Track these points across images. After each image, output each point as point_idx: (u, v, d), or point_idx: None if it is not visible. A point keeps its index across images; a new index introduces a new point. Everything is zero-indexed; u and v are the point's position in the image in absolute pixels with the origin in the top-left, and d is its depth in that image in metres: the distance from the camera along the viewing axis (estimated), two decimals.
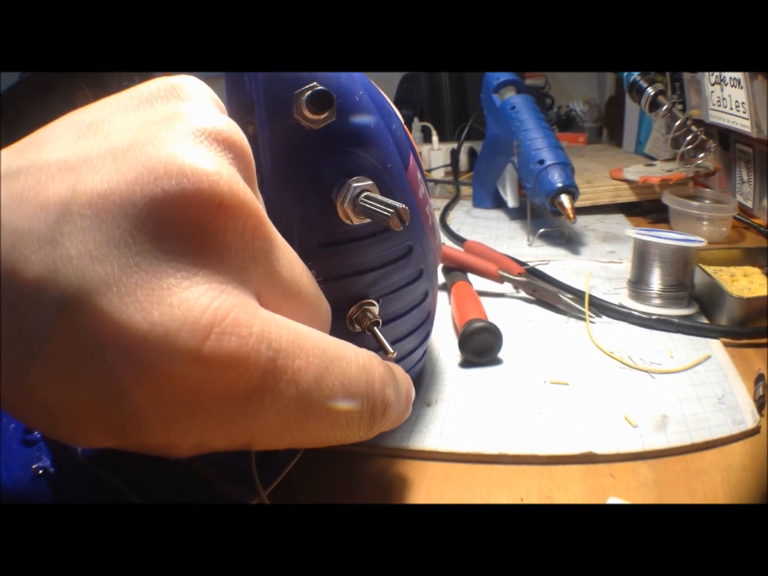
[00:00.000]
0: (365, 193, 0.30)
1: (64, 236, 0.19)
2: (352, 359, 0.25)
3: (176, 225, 0.20)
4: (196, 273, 0.20)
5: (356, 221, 0.31)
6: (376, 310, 0.35)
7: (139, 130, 0.21)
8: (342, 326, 0.34)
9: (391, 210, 0.28)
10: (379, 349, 0.33)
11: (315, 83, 0.28)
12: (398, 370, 0.31)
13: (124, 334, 0.18)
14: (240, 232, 0.21)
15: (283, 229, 0.31)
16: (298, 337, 0.22)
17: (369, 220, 0.30)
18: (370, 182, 0.31)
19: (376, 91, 0.35)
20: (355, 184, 0.30)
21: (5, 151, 0.22)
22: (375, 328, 0.33)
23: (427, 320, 0.43)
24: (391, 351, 0.32)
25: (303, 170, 0.31)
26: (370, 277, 0.35)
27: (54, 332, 0.19)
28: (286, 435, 0.23)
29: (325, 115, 0.28)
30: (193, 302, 0.19)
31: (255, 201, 0.22)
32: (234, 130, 0.23)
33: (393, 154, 0.34)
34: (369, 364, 0.26)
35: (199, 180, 0.20)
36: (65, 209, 0.19)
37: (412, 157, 0.37)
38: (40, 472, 0.34)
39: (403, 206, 0.28)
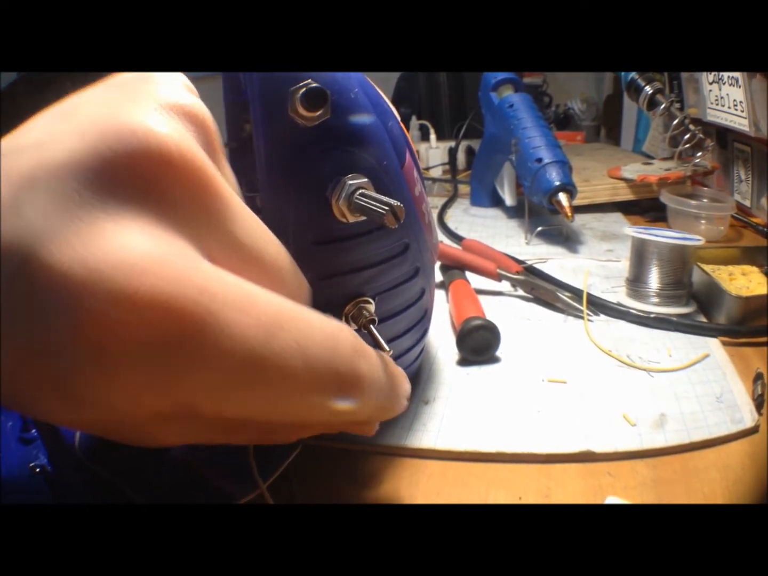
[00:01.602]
0: (360, 191, 0.30)
1: (24, 203, 0.19)
2: (316, 323, 0.24)
3: (120, 179, 0.20)
4: (136, 222, 0.20)
5: (351, 219, 0.31)
6: (372, 307, 0.35)
7: (106, 105, 0.22)
8: None
9: (386, 207, 0.28)
10: (376, 347, 0.33)
11: (310, 80, 0.28)
12: (389, 360, 0.30)
13: (61, 282, 0.18)
14: (186, 188, 0.21)
15: (279, 226, 0.31)
16: (247, 293, 0.22)
17: (364, 218, 0.30)
18: (366, 180, 0.31)
19: (372, 88, 0.35)
20: (351, 182, 0.30)
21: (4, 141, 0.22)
22: (371, 326, 0.33)
23: (424, 318, 0.43)
24: (387, 349, 0.32)
25: (298, 168, 0.31)
26: (366, 275, 0.35)
27: (11, 293, 0.19)
28: (233, 395, 0.22)
29: (319, 112, 0.28)
30: (129, 248, 0.19)
31: (205, 162, 0.22)
32: (198, 106, 0.23)
33: (389, 152, 0.34)
34: (338, 332, 0.25)
35: (147, 139, 0.20)
36: (27, 178, 0.20)
37: (408, 155, 0.37)
38: (38, 470, 0.34)
39: (398, 204, 0.28)
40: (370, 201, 0.29)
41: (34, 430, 0.36)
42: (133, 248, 0.19)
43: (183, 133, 0.22)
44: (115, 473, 0.34)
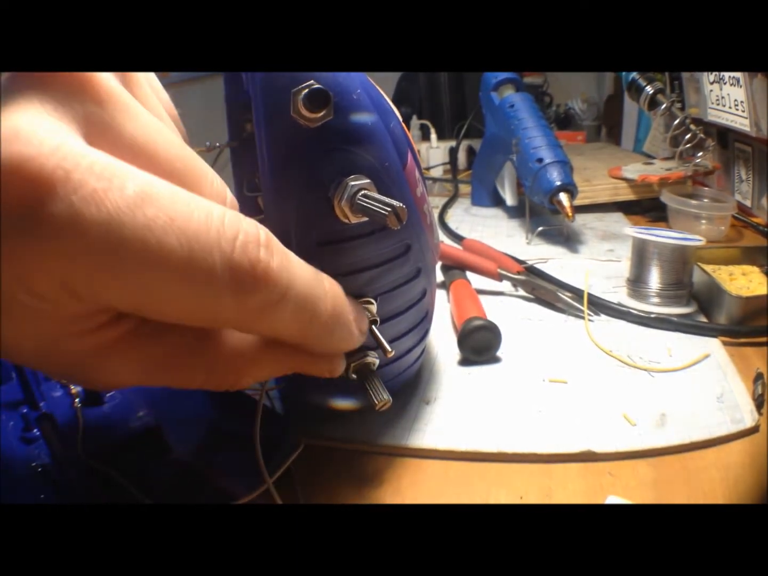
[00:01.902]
0: (363, 192, 0.30)
1: None
2: (202, 204, 0.23)
3: (9, 79, 0.22)
4: (18, 105, 0.21)
5: (354, 220, 0.31)
6: (374, 308, 0.35)
7: None
8: None
9: (389, 209, 0.28)
10: (377, 347, 0.33)
11: (312, 81, 0.28)
12: (327, 278, 0.29)
13: None
14: (67, 77, 0.23)
15: (282, 227, 0.31)
16: (111, 164, 0.21)
17: (367, 219, 0.30)
18: (368, 181, 0.31)
19: (374, 89, 0.35)
20: (353, 183, 0.30)
21: None
22: (373, 326, 0.33)
23: (426, 318, 0.43)
24: (390, 350, 0.32)
25: (300, 169, 0.31)
26: (368, 276, 0.35)
27: None
28: (105, 272, 0.21)
29: (322, 113, 0.28)
30: (6, 121, 0.20)
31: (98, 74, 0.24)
32: None
33: (391, 153, 0.34)
34: (233, 217, 0.23)
35: None
36: None
37: (410, 156, 0.37)
38: (39, 469, 0.34)
39: (401, 205, 0.28)
40: (372, 202, 0.29)
41: (35, 430, 0.36)
42: (10, 122, 0.20)
43: None
44: (117, 473, 0.34)
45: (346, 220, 0.31)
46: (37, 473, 0.34)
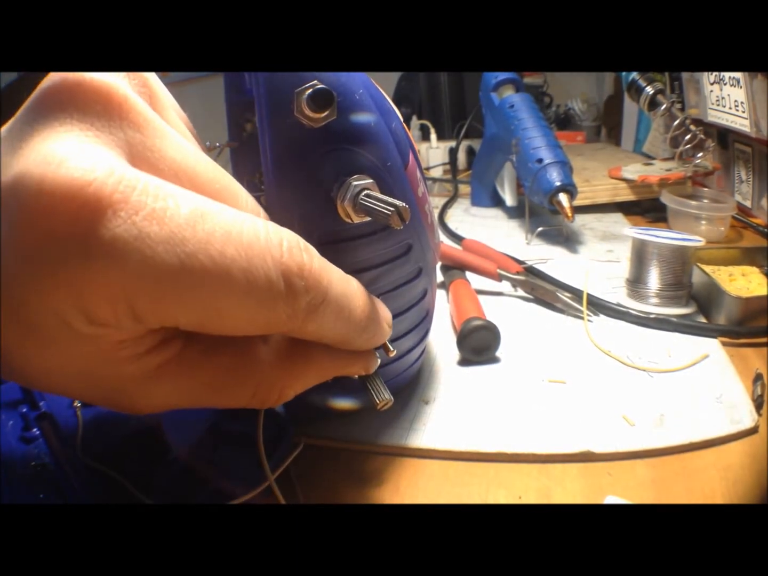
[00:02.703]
0: (365, 192, 0.30)
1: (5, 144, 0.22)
2: (248, 218, 0.24)
3: (47, 104, 0.22)
4: (59, 131, 0.22)
5: (356, 219, 0.31)
6: None
7: None
8: None
9: (392, 208, 0.28)
10: (379, 347, 0.33)
11: (315, 81, 0.28)
12: (353, 279, 0.30)
13: (3, 198, 0.20)
14: (106, 103, 0.23)
15: (284, 226, 0.31)
16: (165, 185, 0.22)
17: (369, 219, 0.30)
18: (371, 180, 0.31)
19: (376, 89, 0.35)
20: (356, 183, 0.30)
21: None
22: None
23: (426, 318, 0.43)
24: (392, 349, 0.33)
25: (303, 168, 0.31)
26: (369, 275, 0.35)
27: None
28: (168, 291, 0.21)
29: (325, 113, 0.28)
30: (49, 147, 0.21)
31: (124, 88, 0.24)
32: (150, 74, 0.27)
33: (393, 153, 0.34)
34: (274, 226, 0.25)
35: (76, 75, 0.23)
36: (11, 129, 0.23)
37: (411, 156, 0.37)
38: (39, 469, 0.34)
39: (404, 205, 0.28)
40: (375, 202, 0.29)
41: (35, 429, 0.36)
42: (53, 148, 0.21)
43: (114, 76, 0.24)
44: (116, 472, 0.34)
45: (349, 220, 0.31)
46: (36, 473, 0.34)
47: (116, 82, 0.24)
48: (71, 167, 0.20)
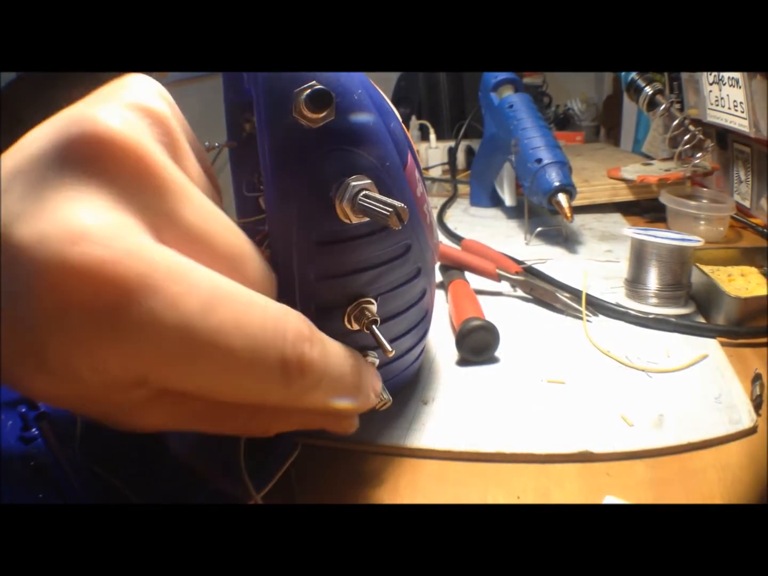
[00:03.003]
0: (364, 192, 0.30)
1: (6, 191, 0.22)
2: (259, 303, 0.25)
3: (73, 159, 0.22)
4: (82, 195, 0.22)
5: (355, 220, 0.31)
6: (374, 308, 0.35)
7: (79, 105, 0.24)
8: (340, 325, 0.34)
9: (390, 209, 0.28)
10: (378, 347, 0.33)
11: (314, 82, 0.28)
12: (356, 354, 0.31)
13: (20, 253, 0.21)
14: (128, 167, 0.23)
15: (283, 227, 0.31)
16: (185, 266, 0.23)
17: (368, 219, 0.30)
18: (369, 181, 0.31)
19: (374, 89, 0.35)
20: (354, 183, 0.30)
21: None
22: (373, 326, 0.33)
23: (425, 318, 0.43)
24: (390, 349, 0.32)
25: (302, 169, 0.31)
26: (368, 276, 0.35)
27: None
28: (177, 368, 0.23)
29: (324, 114, 0.28)
30: (72, 215, 0.21)
31: (150, 147, 0.24)
32: (158, 105, 0.26)
33: (391, 153, 0.34)
34: (281, 314, 0.26)
35: (96, 123, 0.23)
36: (13, 172, 0.22)
37: (410, 156, 0.37)
38: (38, 469, 0.34)
39: (402, 205, 0.28)
40: (373, 202, 0.29)
41: (34, 429, 0.36)
42: (74, 215, 0.21)
43: (133, 123, 0.24)
44: (115, 473, 0.34)
45: (347, 221, 0.31)
46: (35, 472, 0.33)
47: (144, 141, 0.24)
48: (95, 243, 0.21)
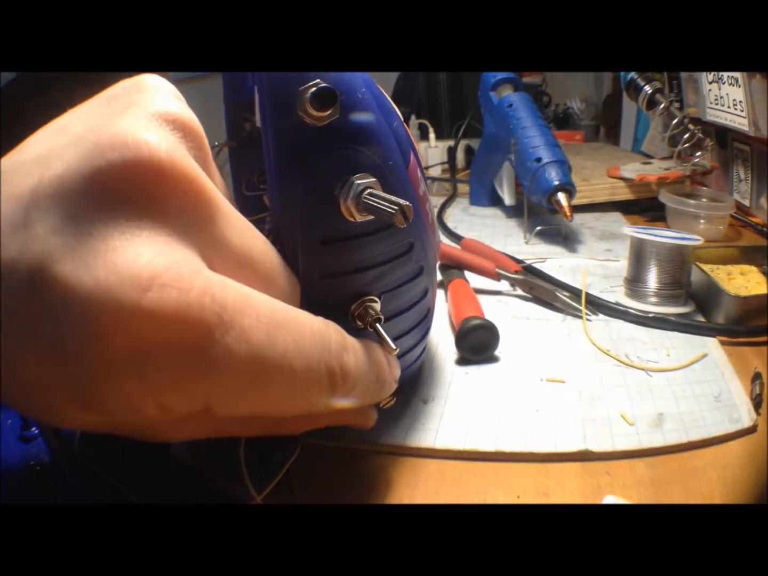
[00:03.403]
0: (369, 191, 0.30)
1: (32, 219, 0.20)
2: (306, 321, 0.26)
3: (119, 191, 0.21)
4: (139, 234, 0.21)
5: (359, 218, 0.31)
6: (378, 306, 0.35)
7: (99, 118, 0.23)
8: (344, 323, 0.34)
9: (396, 207, 0.28)
10: (382, 345, 0.33)
11: (319, 80, 0.28)
12: (373, 347, 0.32)
13: (73, 295, 0.20)
14: (180, 196, 0.22)
15: (287, 225, 0.31)
16: (246, 296, 0.23)
17: (372, 217, 0.31)
18: (374, 179, 0.31)
19: (377, 88, 0.35)
20: (359, 181, 0.30)
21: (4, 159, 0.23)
22: (377, 324, 0.34)
23: (427, 317, 0.43)
24: (394, 347, 0.33)
25: (306, 167, 0.31)
26: (372, 274, 0.35)
27: (23, 304, 0.20)
28: (244, 397, 0.23)
29: (328, 112, 0.28)
30: (135, 259, 0.20)
31: (196, 170, 0.23)
32: (185, 112, 0.25)
33: (394, 152, 0.34)
34: (324, 328, 0.27)
35: (140, 149, 0.21)
36: (33, 196, 0.21)
37: (412, 155, 0.37)
38: (38, 468, 0.34)
39: (407, 203, 0.28)
40: (379, 201, 0.29)
41: (34, 428, 0.36)
42: (138, 259, 0.20)
43: (173, 141, 0.23)
44: (115, 473, 0.34)
45: (352, 219, 0.31)
46: (35, 472, 0.33)
47: (190, 165, 0.23)
48: (167, 287, 0.20)
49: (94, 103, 0.25)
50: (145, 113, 0.23)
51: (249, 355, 0.22)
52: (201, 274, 0.22)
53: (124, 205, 0.21)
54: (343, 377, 0.27)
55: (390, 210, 0.28)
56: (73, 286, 0.20)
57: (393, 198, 0.29)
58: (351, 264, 0.34)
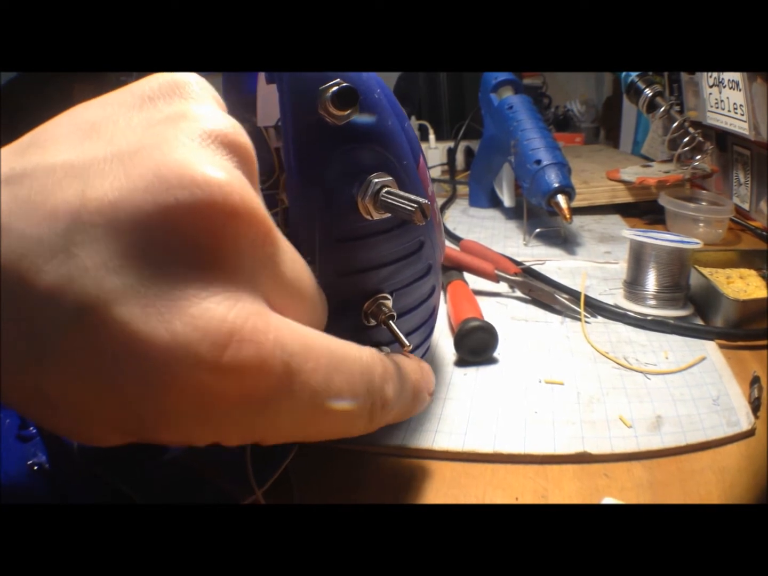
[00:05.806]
0: (386, 189, 0.30)
1: (77, 246, 0.19)
2: (356, 358, 0.26)
3: (191, 235, 0.20)
4: (213, 283, 0.20)
5: (377, 216, 0.31)
6: (390, 303, 0.35)
7: (145, 132, 0.21)
8: (358, 320, 0.35)
9: (415, 204, 0.28)
10: (394, 341, 0.33)
11: (339, 80, 0.28)
12: (407, 363, 0.32)
13: (146, 343, 0.19)
14: (251, 239, 0.21)
15: (305, 223, 0.32)
16: (307, 339, 0.23)
17: (387, 215, 0.31)
18: (390, 178, 0.31)
19: (388, 90, 0.35)
20: (376, 180, 0.31)
21: (5, 150, 0.21)
22: (390, 321, 0.34)
23: (432, 316, 0.43)
24: (407, 344, 0.33)
25: (325, 165, 0.31)
26: (385, 272, 0.35)
27: (70, 336, 0.19)
28: (297, 432, 0.24)
29: (349, 111, 0.29)
30: (212, 312, 0.20)
31: (262, 207, 0.22)
32: (239, 132, 0.23)
33: (407, 152, 0.34)
34: (371, 361, 0.27)
35: (212, 190, 0.20)
36: (75, 217, 0.19)
37: (421, 156, 0.37)
38: (36, 468, 0.34)
39: (426, 201, 0.28)
40: (397, 199, 0.29)
41: (32, 428, 0.36)
42: (215, 312, 0.20)
43: (238, 176, 0.21)
44: (114, 472, 0.34)
45: (369, 217, 0.31)
46: (33, 472, 0.33)
47: (257, 204, 0.22)
48: (245, 341, 0.20)
49: (125, 102, 0.23)
50: (200, 133, 0.21)
51: (309, 399, 0.23)
52: (272, 323, 0.22)
53: (196, 250, 0.20)
54: (382, 406, 0.28)
55: (409, 208, 0.28)
56: (143, 336, 0.19)
57: (411, 196, 0.29)
58: (366, 262, 0.34)
